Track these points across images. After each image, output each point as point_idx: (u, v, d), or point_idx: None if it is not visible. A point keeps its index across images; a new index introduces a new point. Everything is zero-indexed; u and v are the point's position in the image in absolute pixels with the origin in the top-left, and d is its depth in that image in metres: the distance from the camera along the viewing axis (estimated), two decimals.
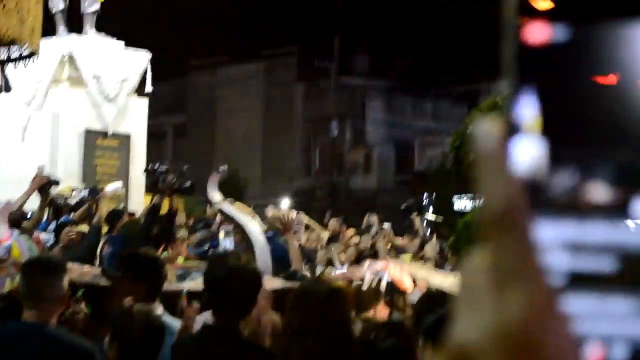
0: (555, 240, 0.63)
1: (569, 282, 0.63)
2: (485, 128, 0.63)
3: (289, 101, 50.21)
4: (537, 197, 0.63)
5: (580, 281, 0.63)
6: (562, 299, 0.61)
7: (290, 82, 50.17)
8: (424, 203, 20.83)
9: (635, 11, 0.62)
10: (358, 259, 14.20)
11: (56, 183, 12.13)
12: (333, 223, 18.16)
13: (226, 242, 11.27)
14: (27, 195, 11.29)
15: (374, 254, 14.55)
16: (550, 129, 0.63)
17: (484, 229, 0.62)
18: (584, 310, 0.62)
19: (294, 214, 17.11)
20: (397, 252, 15.15)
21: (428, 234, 17.93)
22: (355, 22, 50.23)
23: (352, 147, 50.47)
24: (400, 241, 16.86)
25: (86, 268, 7.94)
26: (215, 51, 51.02)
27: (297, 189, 45.33)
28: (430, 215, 19.59)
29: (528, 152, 0.64)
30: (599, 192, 0.63)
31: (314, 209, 20.39)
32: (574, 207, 0.63)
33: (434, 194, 22.83)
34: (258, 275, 5.05)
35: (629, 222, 0.62)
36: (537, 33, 0.63)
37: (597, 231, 0.63)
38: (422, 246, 15.68)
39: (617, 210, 0.62)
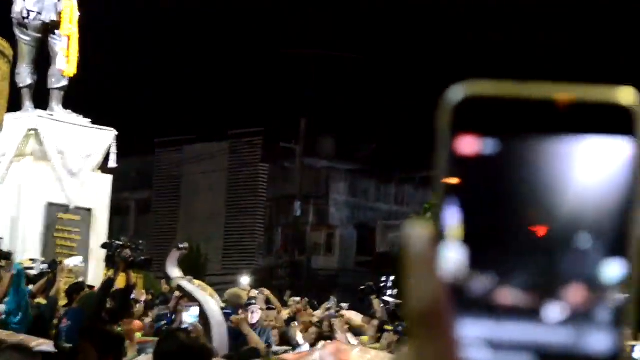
0: (475, 338, 0.65)
1: None
2: (416, 232, 0.66)
3: (253, 180, 50.31)
4: (460, 298, 0.65)
5: None
6: None
7: (254, 162, 50.33)
8: (384, 285, 20.73)
9: (556, 128, 0.65)
10: (317, 339, 14.19)
11: (7, 257, 12.01)
12: (295, 302, 18.11)
13: (189, 319, 11.18)
14: None
15: (333, 335, 14.51)
16: (471, 236, 0.66)
17: (410, 325, 0.65)
18: None
19: (254, 292, 17.07)
20: (354, 333, 15.09)
21: (386, 316, 17.86)
22: (321, 106, 50.71)
23: (314, 228, 50.48)
24: (357, 323, 16.81)
25: (40, 340, 7.89)
26: (181, 129, 51.18)
27: (258, 267, 45.21)
28: (389, 298, 19.48)
29: (451, 257, 0.66)
30: (515, 295, 0.65)
31: (274, 287, 20.31)
32: (492, 308, 0.65)
33: (395, 276, 22.72)
34: (207, 351, 5.04)
35: (542, 323, 0.65)
36: (468, 145, 0.66)
37: (514, 330, 0.65)
38: (380, 328, 15.62)
39: (531, 312, 0.65)
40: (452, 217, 0.66)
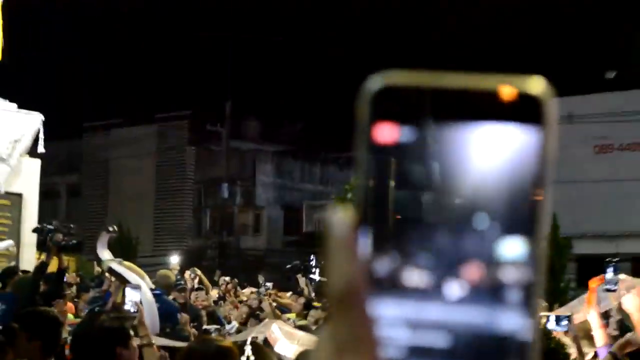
0: (392, 318, 0.67)
1: (404, 353, 0.67)
2: (337, 217, 0.68)
3: (180, 163, 50.01)
4: (376, 280, 0.67)
5: (413, 352, 0.67)
6: None
7: (182, 145, 50.03)
8: (311, 264, 20.81)
9: (469, 116, 0.67)
10: (248, 317, 14.27)
11: None
12: (225, 282, 18.17)
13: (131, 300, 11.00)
14: None
15: (262, 313, 14.59)
16: (390, 220, 0.68)
17: (329, 304, 0.67)
18: None
19: (188, 272, 17.07)
20: (282, 311, 15.18)
21: (313, 294, 17.98)
22: (246, 89, 50.62)
23: (242, 209, 50.40)
24: (285, 300, 16.91)
25: None
26: (108, 113, 50.71)
27: (187, 248, 45.04)
28: (316, 276, 19.58)
29: (370, 241, 0.68)
30: (429, 276, 0.67)
31: (204, 267, 20.29)
32: (407, 289, 0.67)
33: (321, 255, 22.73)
34: (113, 333, 5.09)
35: (455, 303, 0.67)
36: (386, 133, 0.68)
37: (428, 310, 0.67)
38: (306, 305, 15.75)
39: (444, 292, 0.67)
40: (372, 203, 0.68)
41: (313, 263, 19.72)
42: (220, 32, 49.20)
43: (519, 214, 0.67)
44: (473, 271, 0.66)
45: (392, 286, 0.67)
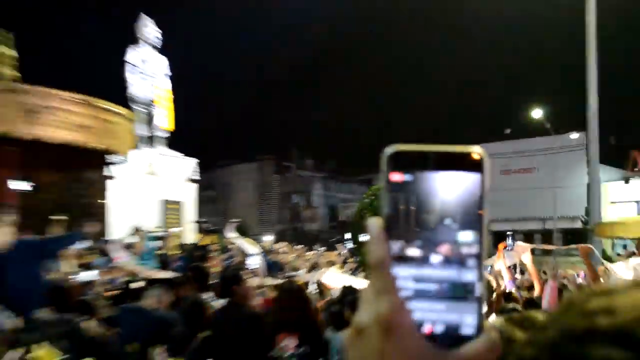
0: (404, 276, 0.66)
1: (412, 295, 0.66)
2: (372, 221, 0.66)
3: (270, 184, 50.45)
4: (394, 254, 0.66)
5: (416, 294, 0.66)
6: (408, 303, 0.65)
7: (270, 174, 50.52)
8: (346, 238, 20.62)
9: (442, 167, 0.66)
10: (311, 268, 14.23)
11: (138, 229, 11.82)
12: (298, 249, 18.12)
13: (252, 261, 10.89)
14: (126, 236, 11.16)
15: (318, 265, 14.54)
16: (400, 223, 0.66)
17: (368, 269, 0.66)
18: (421, 308, 0.66)
19: (278, 244, 16.99)
20: (330, 265, 15.09)
21: (348, 254, 17.87)
22: (305, 141, 50.96)
23: (305, 208, 50.63)
24: (331, 258, 16.84)
25: (162, 273, 7.91)
26: (230, 156, 51.25)
27: (277, 231, 45.23)
28: (349, 245, 19.44)
29: (389, 234, 0.67)
30: (423, 252, 0.66)
31: (286, 241, 20.31)
32: (411, 259, 0.66)
33: (351, 233, 22.66)
34: (238, 276, 4.92)
35: (432, 266, 0.66)
36: (396, 177, 0.66)
37: (424, 271, 0.66)
38: (344, 261, 15.65)
39: (425, 260, 0.66)
40: (390, 214, 0.66)
41: (347, 238, 19.61)
42: (289, 112, 49.56)
43: (472, 219, 0.66)
44: (447, 249, 0.66)
45: (402, 258, 0.66)
